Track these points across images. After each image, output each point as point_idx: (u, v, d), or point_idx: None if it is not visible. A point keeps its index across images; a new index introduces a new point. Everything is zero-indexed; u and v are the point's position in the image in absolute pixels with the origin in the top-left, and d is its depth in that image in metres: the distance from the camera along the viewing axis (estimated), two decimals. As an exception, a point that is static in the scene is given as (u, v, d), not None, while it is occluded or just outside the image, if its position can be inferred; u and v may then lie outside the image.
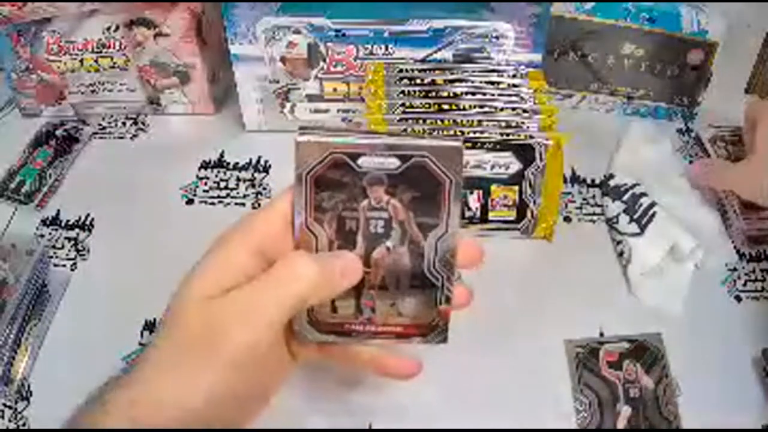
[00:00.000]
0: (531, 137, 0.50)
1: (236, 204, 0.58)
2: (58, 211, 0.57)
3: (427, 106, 0.52)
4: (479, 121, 0.51)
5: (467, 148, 0.50)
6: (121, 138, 0.65)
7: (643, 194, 0.55)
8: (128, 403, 0.29)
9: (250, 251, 0.32)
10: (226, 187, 0.59)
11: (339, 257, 0.33)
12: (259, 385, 0.33)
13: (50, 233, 0.55)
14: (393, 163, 0.32)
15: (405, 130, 0.50)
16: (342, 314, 0.34)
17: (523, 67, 0.57)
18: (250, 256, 0.32)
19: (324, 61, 0.58)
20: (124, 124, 0.66)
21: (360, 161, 0.32)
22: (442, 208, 0.32)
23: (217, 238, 0.34)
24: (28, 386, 0.45)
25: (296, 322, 0.34)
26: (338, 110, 0.62)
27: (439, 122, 0.51)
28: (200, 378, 0.30)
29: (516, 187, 0.51)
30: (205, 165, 0.61)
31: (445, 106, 0.52)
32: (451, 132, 0.50)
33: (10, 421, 0.44)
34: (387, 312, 0.34)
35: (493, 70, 0.56)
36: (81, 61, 0.62)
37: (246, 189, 0.59)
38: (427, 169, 0.32)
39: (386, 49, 0.57)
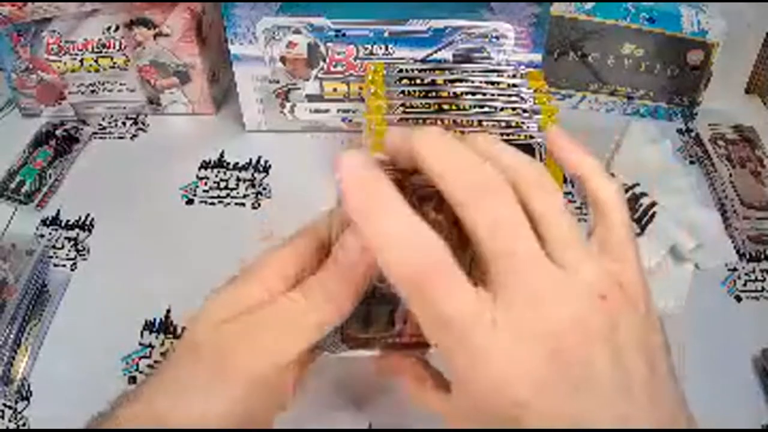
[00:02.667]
0: (531, 137, 0.50)
1: (236, 204, 0.58)
2: (58, 211, 0.57)
3: (427, 106, 0.52)
4: (479, 121, 0.51)
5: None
6: (121, 138, 0.65)
7: (643, 194, 0.55)
8: (132, 419, 0.29)
9: (282, 277, 0.30)
10: (226, 187, 0.59)
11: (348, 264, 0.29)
12: (276, 396, 0.32)
13: (50, 233, 0.55)
14: None
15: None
16: (375, 329, 0.32)
17: (523, 67, 0.57)
18: (282, 282, 0.30)
19: (324, 61, 0.58)
20: (124, 124, 0.66)
21: (413, 178, 0.29)
22: None
23: (246, 264, 0.32)
24: (28, 386, 0.45)
25: (325, 339, 0.32)
26: (338, 110, 0.62)
27: (439, 122, 0.51)
28: (210, 403, 0.29)
29: (516, 187, 0.51)
30: (205, 165, 0.61)
31: (445, 106, 0.52)
32: (452, 132, 0.50)
33: (10, 421, 0.44)
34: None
35: (493, 70, 0.56)
36: (81, 61, 0.62)
37: (246, 189, 0.59)
38: None
39: (386, 49, 0.57)
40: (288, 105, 0.62)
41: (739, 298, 0.51)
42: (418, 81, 0.55)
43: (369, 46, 0.57)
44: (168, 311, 0.49)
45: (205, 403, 0.29)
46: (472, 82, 0.55)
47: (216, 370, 0.29)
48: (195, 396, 0.29)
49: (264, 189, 0.59)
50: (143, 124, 0.66)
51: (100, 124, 0.66)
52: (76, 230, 0.56)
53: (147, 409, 0.29)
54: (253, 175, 0.60)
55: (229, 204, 0.58)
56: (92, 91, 0.65)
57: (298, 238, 0.32)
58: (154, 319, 0.49)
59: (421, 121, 0.51)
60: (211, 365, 0.29)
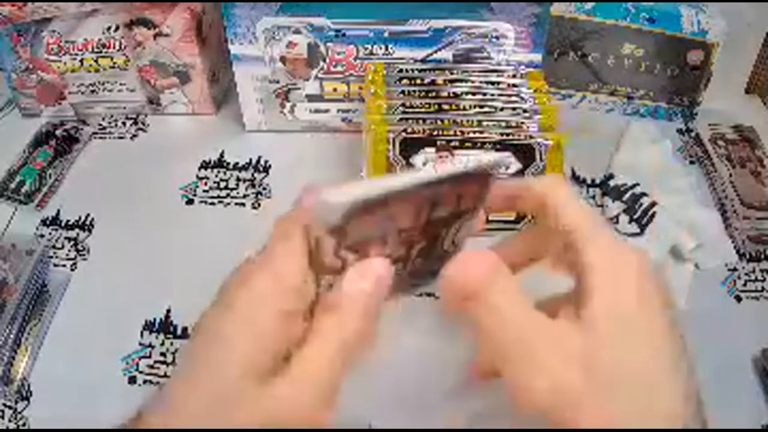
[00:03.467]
0: (531, 137, 0.50)
1: (236, 204, 0.58)
2: (58, 211, 0.57)
3: (427, 106, 0.52)
4: (479, 121, 0.51)
5: (467, 148, 0.50)
6: (121, 138, 0.65)
7: (643, 194, 0.55)
8: None
9: (282, 312, 0.28)
10: (226, 187, 0.59)
11: (361, 275, 0.29)
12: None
13: (50, 233, 0.55)
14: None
15: (405, 130, 0.50)
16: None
17: (523, 67, 0.57)
18: (284, 316, 0.28)
19: (324, 61, 0.58)
20: (124, 124, 0.66)
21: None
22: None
23: (237, 284, 0.29)
24: (28, 386, 0.45)
25: None
26: (338, 110, 0.62)
27: (439, 122, 0.51)
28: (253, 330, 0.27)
29: (516, 187, 0.51)
30: (205, 165, 0.61)
31: (445, 106, 0.52)
32: (451, 132, 0.50)
33: (10, 421, 0.44)
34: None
35: (493, 70, 0.56)
36: (81, 61, 0.62)
37: (246, 189, 0.59)
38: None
39: (386, 49, 0.57)
40: (288, 105, 0.62)
41: (739, 298, 0.51)
42: (418, 81, 0.55)
43: (369, 46, 0.57)
44: (168, 311, 0.49)
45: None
46: (472, 82, 0.55)
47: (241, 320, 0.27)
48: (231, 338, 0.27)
49: (264, 189, 0.59)
50: (143, 124, 0.66)
51: (100, 124, 0.66)
52: (76, 230, 0.56)
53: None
54: (253, 175, 0.60)
55: (229, 204, 0.58)
56: (92, 91, 0.65)
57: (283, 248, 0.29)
58: (154, 319, 0.49)
59: (421, 121, 0.51)
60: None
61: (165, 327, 0.48)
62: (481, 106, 0.53)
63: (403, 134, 0.50)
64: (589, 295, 0.27)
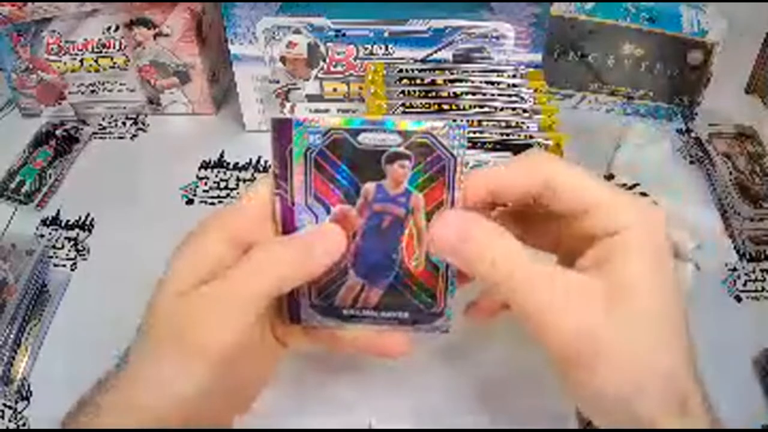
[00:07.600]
0: (531, 137, 0.50)
1: (236, 204, 0.58)
2: (58, 211, 0.57)
3: (427, 106, 0.52)
4: (479, 121, 0.51)
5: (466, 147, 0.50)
6: (121, 138, 0.65)
7: (643, 194, 0.55)
8: (113, 408, 0.29)
9: (227, 241, 0.31)
10: (226, 187, 0.59)
11: (319, 233, 0.31)
12: (247, 376, 0.32)
13: (50, 233, 0.55)
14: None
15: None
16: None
17: (523, 67, 0.57)
18: (227, 246, 0.31)
19: (324, 61, 0.58)
20: (124, 124, 0.66)
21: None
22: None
23: (191, 230, 0.32)
24: (28, 386, 0.45)
25: (298, 305, 0.33)
26: (338, 110, 0.62)
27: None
28: (178, 379, 0.28)
29: (516, 187, 0.51)
30: (205, 165, 0.61)
31: (445, 106, 0.52)
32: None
33: (10, 421, 0.44)
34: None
35: (493, 70, 0.56)
36: (81, 61, 0.62)
37: (246, 189, 0.59)
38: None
39: (386, 49, 0.57)
40: (288, 105, 0.62)
41: (739, 298, 0.51)
42: (418, 81, 0.55)
43: (369, 46, 0.57)
44: (168, 311, 0.49)
45: (172, 386, 0.28)
46: (472, 82, 0.55)
47: (176, 351, 0.29)
48: (161, 380, 0.29)
49: (264, 189, 0.59)
50: (143, 124, 0.66)
51: (100, 124, 0.66)
52: (76, 230, 0.56)
53: (123, 397, 0.29)
54: (253, 175, 0.60)
55: (229, 204, 0.58)
56: (92, 91, 0.65)
57: (240, 200, 0.33)
58: (154, 319, 0.49)
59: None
60: (170, 345, 0.29)
61: (165, 327, 0.48)
62: (481, 106, 0.53)
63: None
64: (624, 251, 0.29)
